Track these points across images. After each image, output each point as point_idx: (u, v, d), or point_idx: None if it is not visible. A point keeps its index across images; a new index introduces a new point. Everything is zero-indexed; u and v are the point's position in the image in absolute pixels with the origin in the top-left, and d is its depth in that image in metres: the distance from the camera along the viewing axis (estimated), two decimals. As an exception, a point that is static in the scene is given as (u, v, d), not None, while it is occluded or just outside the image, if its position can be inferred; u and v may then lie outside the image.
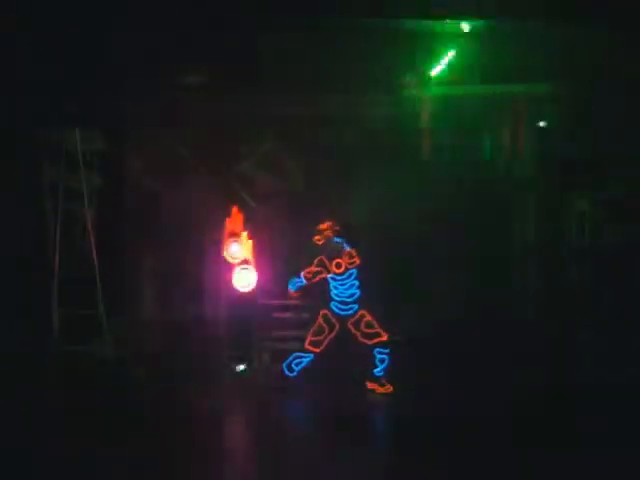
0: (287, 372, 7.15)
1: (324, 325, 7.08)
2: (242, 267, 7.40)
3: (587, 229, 8.42)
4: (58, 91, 7.38)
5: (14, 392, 6.16)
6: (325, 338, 7.08)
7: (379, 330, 7.06)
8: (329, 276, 7.03)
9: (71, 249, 7.75)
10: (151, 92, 7.72)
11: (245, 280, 7.41)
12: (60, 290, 7.52)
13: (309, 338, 7.11)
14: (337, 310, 7.08)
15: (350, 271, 7.03)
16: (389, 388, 7.10)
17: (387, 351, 7.05)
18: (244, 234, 7.50)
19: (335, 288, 7.06)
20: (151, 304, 8.24)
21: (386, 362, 7.07)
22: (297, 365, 7.15)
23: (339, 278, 7.03)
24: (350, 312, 7.07)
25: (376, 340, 7.05)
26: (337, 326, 7.08)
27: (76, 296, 7.41)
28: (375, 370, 7.08)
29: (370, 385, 7.17)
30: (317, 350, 7.10)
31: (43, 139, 7.78)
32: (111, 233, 8.03)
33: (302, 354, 7.14)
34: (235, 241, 7.36)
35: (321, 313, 7.10)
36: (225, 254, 7.36)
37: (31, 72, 7.09)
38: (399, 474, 4.93)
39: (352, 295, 7.09)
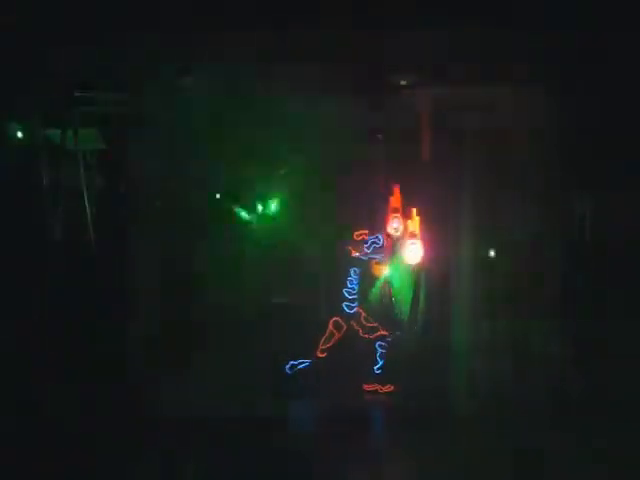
0: (288, 372, 7.25)
1: (334, 331, 7.24)
2: (411, 242, 7.41)
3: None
4: (59, 90, 7.39)
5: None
6: (334, 342, 7.26)
7: (376, 325, 7.24)
8: (352, 270, 7.39)
9: (71, 249, 7.72)
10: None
11: (413, 253, 7.43)
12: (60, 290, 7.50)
13: (320, 346, 7.25)
14: (347, 309, 7.25)
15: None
16: (390, 387, 7.18)
17: (386, 345, 7.23)
18: (413, 211, 7.50)
19: (351, 282, 7.35)
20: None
21: (384, 357, 7.25)
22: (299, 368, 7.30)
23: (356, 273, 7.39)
24: (354, 310, 7.25)
25: (377, 334, 7.23)
26: (344, 327, 7.26)
27: (76, 297, 7.41)
28: (375, 367, 7.22)
29: (371, 386, 7.24)
30: (324, 355, 7.27)
31: (43, 138, 7.74)
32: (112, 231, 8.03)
33: (308, 360, 7.30)
34: (396, 217, 7.48)
35: (332, 320, 7.25)
36: (388, 228, 7.52)
37: (31, 71, 7.07)
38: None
39: (357, 292, 7.36)
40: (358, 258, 7.38)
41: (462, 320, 7.61)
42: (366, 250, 7.37)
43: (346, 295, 7.37)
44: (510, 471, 5.16)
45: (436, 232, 7.58)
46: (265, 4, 6.52)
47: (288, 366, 7.30)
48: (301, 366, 7.31)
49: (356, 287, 7.38)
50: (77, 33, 6.73)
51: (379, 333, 7.32)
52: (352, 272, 7.39)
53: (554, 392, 6.78)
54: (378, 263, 7.45)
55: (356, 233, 7.40)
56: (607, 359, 6.97)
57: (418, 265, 7.44)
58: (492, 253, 8.06)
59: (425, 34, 6.83)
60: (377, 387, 7.21)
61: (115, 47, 6.98)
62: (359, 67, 7.25)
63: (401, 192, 7.51)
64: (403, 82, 7.72)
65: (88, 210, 7.87)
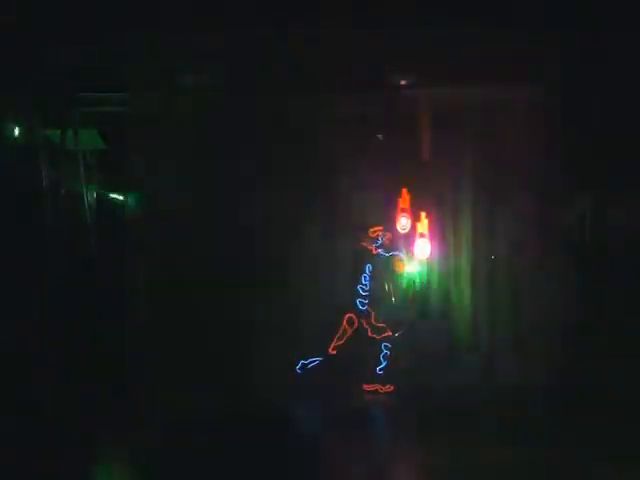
0: (299, 371, 7.25)
1: (347, 328, 7.28)
2: (420, 238, 7.65)
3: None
4: (59, 90, 7.40)
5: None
6: (345, 339, 7.30)
7: (385, 325, 7.27)
8: (367, 266, 7.46)
9: (72, 249, 7.72)
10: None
11: (422, 249, 7.63)
12: (60, 290, 7.49)
13: (333, 343, 7.28)
14: (360, 306, 7.27)
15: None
16: (390, 387, 7.19)
17: (390, 346, 7.26)
18: (422, 214, 7.70)
19: (365, 279, 7.41)
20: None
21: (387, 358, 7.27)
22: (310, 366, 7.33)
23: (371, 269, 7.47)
24: (365, 307, 7.30)
25: (385, 335, 7.26)
26: (356, 324, 7.31)
27: (76, 297, 7.41)
28: (378, 368, 7.24)
29: (371, 386, 7.25)
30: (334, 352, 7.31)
31: (43, 138, 7.75)
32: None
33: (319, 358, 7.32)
34: (404, 216, 7.68)
35: (346, 317, 7.28)
36: (397, 226, 7.69)
37: (31, 71, 7.08)
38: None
39: (369, 289, 7.39)
40: (378, 255, 7.46)
41: (463, 319, 7.63)
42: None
43: (360, 292, 7.40)
44: (510, 469, 5.16)
45: (440, 232, 7.68)
46: (265, 4, 6.53)
47: (299, 365, 7.30)
48: (312, 364, 7.30)
49: (369, 284, 7.43)
50: (77, 33, 6.74)
51: (386, 334, 7.33)
52: (367, 269, 7.43)
53: (554, 392, 6.78)
54: (401, 260, 7.52)
55: (371, 230, 7.45)
56: (607, 359, 6.97)
57: (423, 264, 7.51)
58: (492, 253, 8.05)
59: (425, 34, 6.84)
60: (377, 387, 7.21)
61: (115, 47, 6.99)
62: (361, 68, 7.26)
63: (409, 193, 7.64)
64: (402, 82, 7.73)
65: (88, 210, 7.87)
